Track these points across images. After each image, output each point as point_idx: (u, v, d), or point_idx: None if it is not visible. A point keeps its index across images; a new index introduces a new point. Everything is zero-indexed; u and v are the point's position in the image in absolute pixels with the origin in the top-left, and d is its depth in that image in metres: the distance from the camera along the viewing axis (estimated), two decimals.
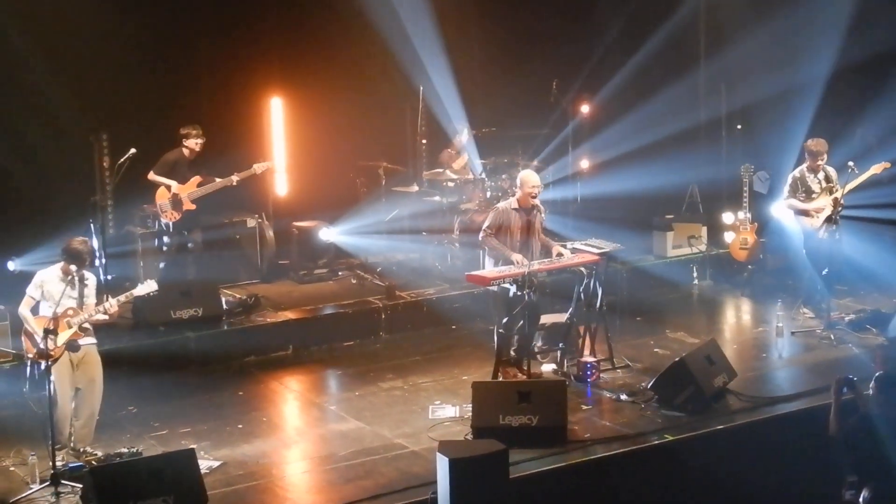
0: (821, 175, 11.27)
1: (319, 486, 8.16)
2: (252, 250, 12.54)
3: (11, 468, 8.35)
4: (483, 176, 13.16)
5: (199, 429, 9.10)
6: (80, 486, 7.63)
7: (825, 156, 11.25)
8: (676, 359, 9.33)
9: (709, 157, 14.46)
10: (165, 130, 11.94)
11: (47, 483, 7.85)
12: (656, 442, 8.62)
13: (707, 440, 8.69)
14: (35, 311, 8.42)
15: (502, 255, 9.76)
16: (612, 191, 13.49)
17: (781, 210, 11.72)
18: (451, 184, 12.93)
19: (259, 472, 8.29)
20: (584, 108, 14.37)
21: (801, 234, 11.39)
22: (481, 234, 9.92)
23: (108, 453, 8.39)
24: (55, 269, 8.44)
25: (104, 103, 12.02)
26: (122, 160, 10.78)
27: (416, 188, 13.22)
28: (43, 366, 8.11)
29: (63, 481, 7.85)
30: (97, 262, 9.88)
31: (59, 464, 7.96)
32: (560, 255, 9.96)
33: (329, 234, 12.86)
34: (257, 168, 11.90)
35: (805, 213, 11.26)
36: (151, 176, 11.53)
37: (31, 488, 7.87)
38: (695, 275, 13.27)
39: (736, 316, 12.56)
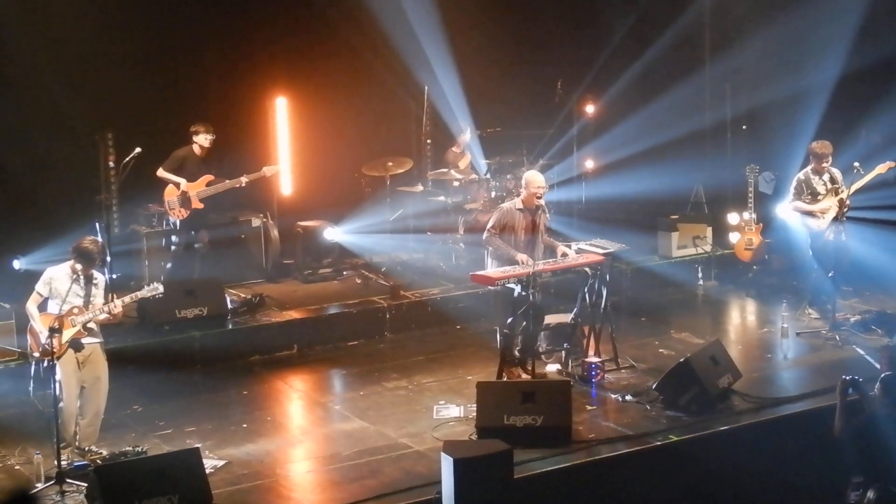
0: (826, 177, 11.26)
1: (324, 486, 8.15)
2: (257, 250, 12.55)
3: (17, 467, 8.36)
4: (488, 176, 13.16)
5: (204, 428, 9.11)
6: (85, 484, 7.64)
7: (830, 158, 11.24)
8: (681, 359, 9.31)
9: (714, 158, 14.45)
10: (171, 129, 11.98)
11: (52, 482, 7.86)
12: (661, 442, 8.60)
13: (712, 441, 8.68)
14: (43, 308, 8.43)
15: (507, 255, 9.75)
16: (617, 192, 13.49)
17: (787, 211, 11.70)
18: (456, 183, 12.93)
19: (263, 471, 8.29)
20: (590, 109, 14.37)
21: (807, 235, 11.39)
22: (485, 234, 9.91)
23: (113, 452, 8.40)
24: (65, 267, 8.44)
25: (109, 102, 12.02)
26: (127, 159, 10.78)
27: (420, 188, 13.22)
28: (46, 363, 8.12)
29: (68, 480, 7.86)
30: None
31: (64, 462, 7.96)
32: (565, 255, 9.96)
33: (334, 233, 12.87)
34: (267, 171, 11.93)
35: (811, 214, 11.25)
36: (160, 172, 11.56)
37: (37, 487, 7.87)
38: (700, 275, 13.26)
39: (741, 316, 12.55)
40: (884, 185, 11.61)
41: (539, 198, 9.84)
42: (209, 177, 11.63)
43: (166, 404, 9.61)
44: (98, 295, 8.48)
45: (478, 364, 10.44)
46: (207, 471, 7.83)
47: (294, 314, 11.43)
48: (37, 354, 8.35)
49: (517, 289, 9.52)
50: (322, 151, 13.31)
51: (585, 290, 10.07)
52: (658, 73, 14.21)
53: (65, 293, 8.31)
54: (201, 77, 12.84)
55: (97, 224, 10.62)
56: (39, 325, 8.32)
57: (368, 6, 12.94)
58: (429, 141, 13.68)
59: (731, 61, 14.23)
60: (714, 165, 14.29)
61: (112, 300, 8.54)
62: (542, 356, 10.16)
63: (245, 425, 9.21)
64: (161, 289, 8.64)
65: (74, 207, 11.34)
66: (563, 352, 10.14)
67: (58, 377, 8.15)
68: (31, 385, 8.57)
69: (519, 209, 9.86)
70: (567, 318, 10.25)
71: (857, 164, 11.03)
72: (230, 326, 11.03)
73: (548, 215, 10.20)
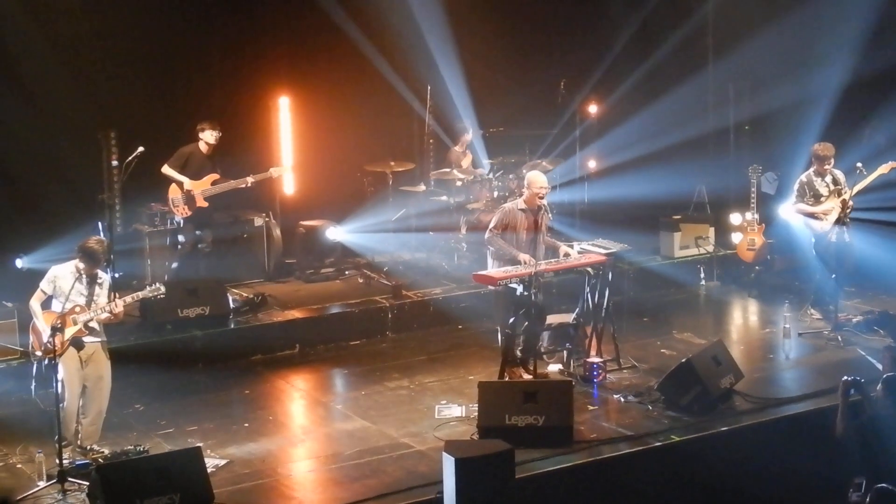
0: (828, 178, 11.25)
1: (325, 485, 8.16)
2: (259, 249, 12.54)
3: (18, 465, 8.38)
4: (490, 175, 13.16)
5: (206, 427, 9.11)
6: (87, 483, 7.65)
7: (832, 160, 11.23)
8: (683, 360, 9.30)
9: (717, 159, 14.44)
10: (173, 129, 11.98)
11: (54, 480, 7.87)
12: (662, 443, 8.60)
13: (713, 441, 8.67)
14: (47, 306, 8.44)
15: (509, 255, 9.75)
16: (619, 193, 13.48)
17: (789, 212, 11.70)
18: (458, 183, 12.93)
19: (265, 470, 8.30)
20: (593, 109, 14.37)
21: (810, 236, 11.38)
22: (487, 234, 9.91)
23: (115, 451, 8.40)
24: (69, 266, 8.45)
25: (112, 101, 12.03)
26: (130, 158, 10.78)
27: (423, 187, 13.22)
28: (47, 361, 8.13)
29: (70, 479, 7.86)
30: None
31: (65, 461, 7.97)
32: (567, 255, 9.96)
33: (336, 233, 12.87)
34: (273, 172, 11.94)
35: (814, 216, 11.24)
36: (165, 169, 11.56)
37: (38, 485, 7.89)
38: (702, 275, 13.25)
39: (743, 317, 12.55)
40: (887, 187, 11.59)
41: (541, 198, 9.84)
42: (214, 175, 11.64)
43: (168, 403, 9.61)
44: (102, 295, 8.48)
45: (479, 364, 10.44)
46: (209, 470, 7.83)
47: (296, 313, 11.43)
48: (39, 353, 8.36)
49: (519, 289, 9.52)
50: (325, 151, 13.31)
51: (587, 290, 10.06)
52: (662, 75, 14.21)
53: (68, 291, 8.32)
54: (204, 76, 12.85)
55: (100, 223, 10.64)
56: (42, 323, 8.34)
57: (372, 6, 12.94)
58: (431, 140, 13.68)
59: (734, 63, 14.22)
60: (717, 166, 14.28)
61: (113, 299, 8.55)
62: (544, 356, 10.15)
63: (247, 424, 9.22)
64: (163, 289, 8.65)
65: (77, 206, 11.36)
66: (565, 352, 10.14)
67: (60, 376, 8.17)
68: (33, 384, 8.58)
69: (521, 209, 9.85)
70: (569, 318, 10.25)
71: (859, 164, 11.03)
72: (232, 326, 11.03)
73: (550, 215, 10.19)
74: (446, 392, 9.79)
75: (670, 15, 14.22)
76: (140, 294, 8.63)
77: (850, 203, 10.98)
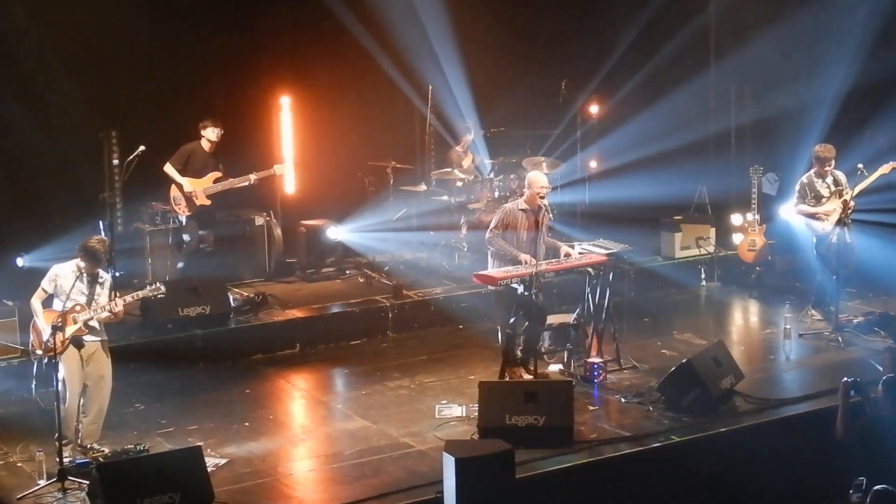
0: (829, 179, 11.25)
1: (325, 485, 8.16)
2: (260, 248, 12.54)
3: (19, 464, 8.38)
4: (491, 175, 13.16)
5: (206, 426, 9.12)
6: (87, 482, 7.65)
7: (833, 161, 11.22)
8: (683, 360, 9.31)
9: (718, 160, 14.43)
10: (175, 128, 11.97)
11: (54, 479, 7.87)
12: (662, 443, 8.61)
13: (714, 442, 8.68)
14: (48, 305, 8.44)
15: (509, 255, 9.75)
16: (620, 193, 13.48)
17: (790, 213, 11.70)
18: (459, 183, 12.93)
19: (265, 469, 8.30)
20: (594, 110, 14.36)
21: (811, 237, 11.37)
22: (488, 234, 9.91)
23: (115, 450, 8.40)
24: (70, 265, 8.46)
25: (114, 100, 12.05)
26: (131, 157, 10.80)
27: (424, 187, 13.22)
28: (47, 360, 8.13)
29: (70, 477, 7.87)
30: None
31: (66, 460, 7.97)
32: (568, 255, 9.96)
33: (337, 232, 12.87)
34: (277, 169, 11.94)
35: (815, 217, 11.24)
36: (166, 168, 11.56)
37: (38, 484, 7.89)
38: (703, 276, 13.25)
39: (743, 318, 12.54)
40: (888, 188, 11.58)
41: (542, 198, 9.84)
42: (217, 173, 11.63)
43: (168, 402, 9.62)
44: (103, 294, 8.48)
45: (480, 364, 10.44)
46: (209, 469, 7.84)
47: (297, 313, 11.43)
48: (39, 351, 8.37)
49: (520, 289, 9.52)
50: (326, 150, 13.30)
51: (588, 290, 10.07)
52: (663, 76, 14.20)
53: (69, 290, 8.33)
54: (205, 75, 12.83)
55: (101, 222, 10.64)
56: (42, 321, 8.34)
57: (374, 5, 12.94)
58: (432, 140, 13.67)
59: (736, 65, 14.22)
60: (718, 167, 14.27)
61: (113, 299, 8.55)
62: (545, 356, 10.15)
63: (247, 424, 9.22)
64: (163, 289, 8.66)
65: (78, 205, 11.37)
66: (566, 352, 10.14)
67: (61, 375, 8.18)
68: (34, 382, 8.59)
69: (522, 209, 9.85)
70: (570, 318, 10.25)
71: (860, 165, 11.03)
72: (233, 325, 11.03)
73: (550, 215, 10.19)
74: (447, 392, 9.79)
75: (673, 17, 14.20)
76: (140, 293, 8.63)
77: (852, 204, 10.98)
